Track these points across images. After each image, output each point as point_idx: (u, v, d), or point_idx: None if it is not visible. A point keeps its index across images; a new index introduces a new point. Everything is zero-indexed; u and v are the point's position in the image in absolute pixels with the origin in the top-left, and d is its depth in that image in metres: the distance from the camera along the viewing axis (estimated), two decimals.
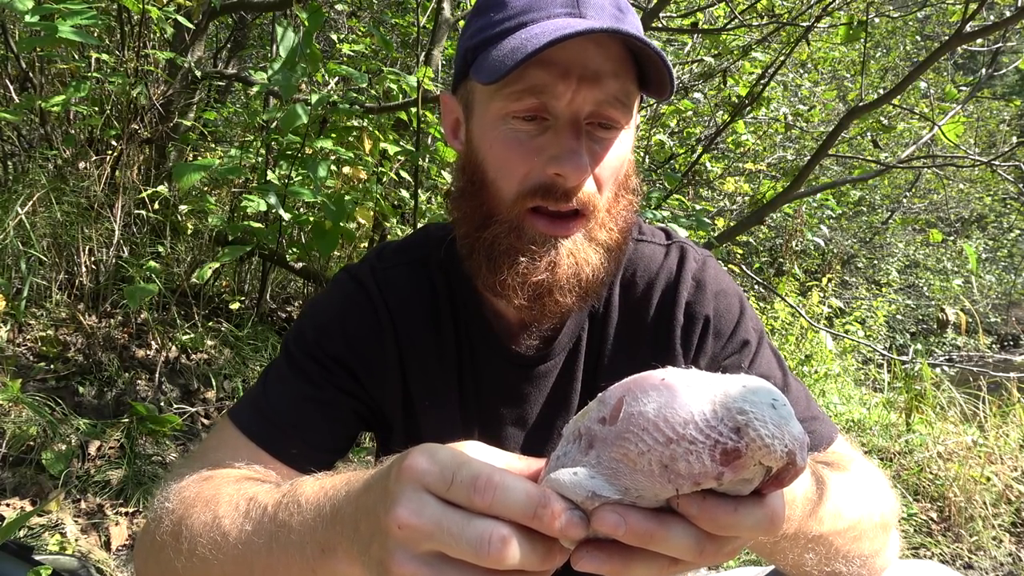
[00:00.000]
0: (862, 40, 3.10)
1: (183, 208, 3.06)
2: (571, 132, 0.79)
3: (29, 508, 1.95)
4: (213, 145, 3.72)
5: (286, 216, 2.67)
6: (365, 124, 3.00)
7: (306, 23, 2.32)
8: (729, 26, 3.41)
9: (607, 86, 0.78)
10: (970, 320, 6.50)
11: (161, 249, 2.92)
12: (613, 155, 0.82)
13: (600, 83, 0.78)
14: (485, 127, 0.83)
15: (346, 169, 3.07)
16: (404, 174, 3.32)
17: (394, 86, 3.06)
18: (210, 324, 3.00)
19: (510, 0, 0.81)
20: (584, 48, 0.77)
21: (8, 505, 1.95)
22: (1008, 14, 2.70)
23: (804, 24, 3.35)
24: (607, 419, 0.46)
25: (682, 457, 0.42)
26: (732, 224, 4.44)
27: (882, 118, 4.55)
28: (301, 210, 3.04)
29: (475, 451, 0.51)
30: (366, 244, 3.42)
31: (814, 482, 0.69)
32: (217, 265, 2.62)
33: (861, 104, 3.02)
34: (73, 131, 2.94)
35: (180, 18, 2.64)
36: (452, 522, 0.46)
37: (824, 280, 5.90)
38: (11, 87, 3.01)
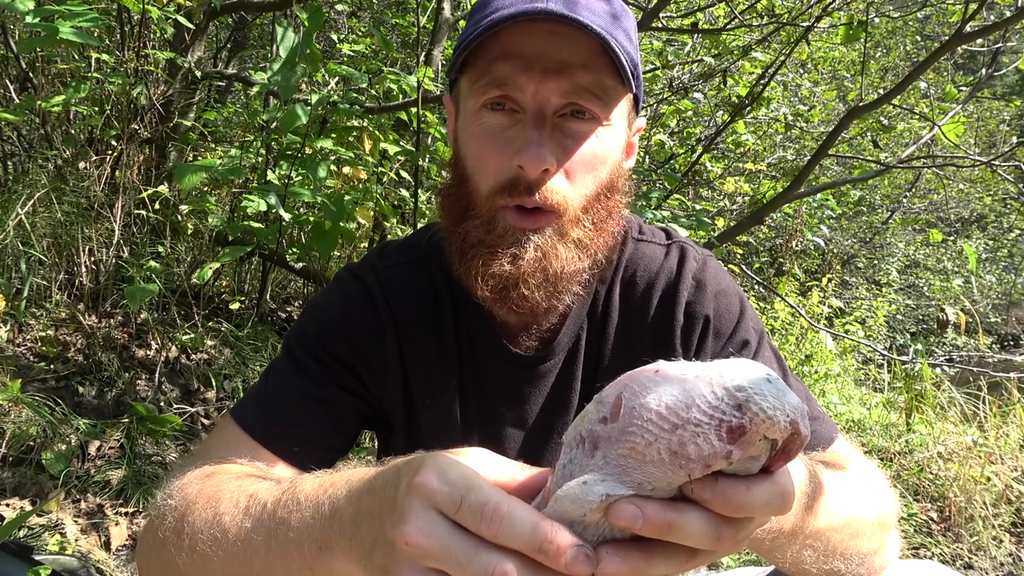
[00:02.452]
0: (862, 40, 3.10)
1: (183, 208, 3.06)
2: (534, 123, 0.79)
3: (29, 508, 1.95)
4: (213, 145, 3.72)
5: (286, 216, 2.67)
6: (365, 124, 3.00)
7: (306, 23, 2.32)
8: (729, 26, 3.41)
9: (576, 77, 0.78)
10: (970, 320, 6.50)
11: (161, 249, 2.92)
12: (587, 150, 0.82)
13: (567, 74, 0.78)
14: (466, 123, 0.85)
15: (346, 169, 3.07)
16: (404, 174, 3.32)
17: (394, 86, 3.06)
18: (210, 324, 3.00)
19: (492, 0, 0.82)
20: (550, 40, 0.78)
21: (8, 505, 1.95)
22: (1008, 14, 2.70)
23: (804, 24, 3.35)
24: (608, 418, 0.46)
25: (690, 441, 0.43)
26: (732, 224, 4.45)
27: (882, 118, 4.55)
28: (301, 210, 3.04)
29: (481, 463, 0.51)
30: (366, 244, 3.43)
31: (808, 477, 0.69)
32: (217, 265, 2.62)
33: (861, 104, 3.02)
34: (73, 131, 2.94)
35: (180, 18, 2.64)
36: (459, 550, 0.46)
37: (824, 280, 5.90)
38: (11, 87, 3.01)
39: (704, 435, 0.42)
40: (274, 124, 2.82)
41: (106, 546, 1.94)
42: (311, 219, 2.80)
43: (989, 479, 2.70)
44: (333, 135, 2.87)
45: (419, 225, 2.80)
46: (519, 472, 0.52)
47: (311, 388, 0.89)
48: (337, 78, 3.11)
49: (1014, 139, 7.28)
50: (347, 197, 2.62)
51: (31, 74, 3.01)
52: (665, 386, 0.44)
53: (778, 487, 0.46)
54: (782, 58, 3.85)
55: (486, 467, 0.51)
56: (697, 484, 0.44)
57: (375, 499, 0.53)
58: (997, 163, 3.18)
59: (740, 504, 0.45)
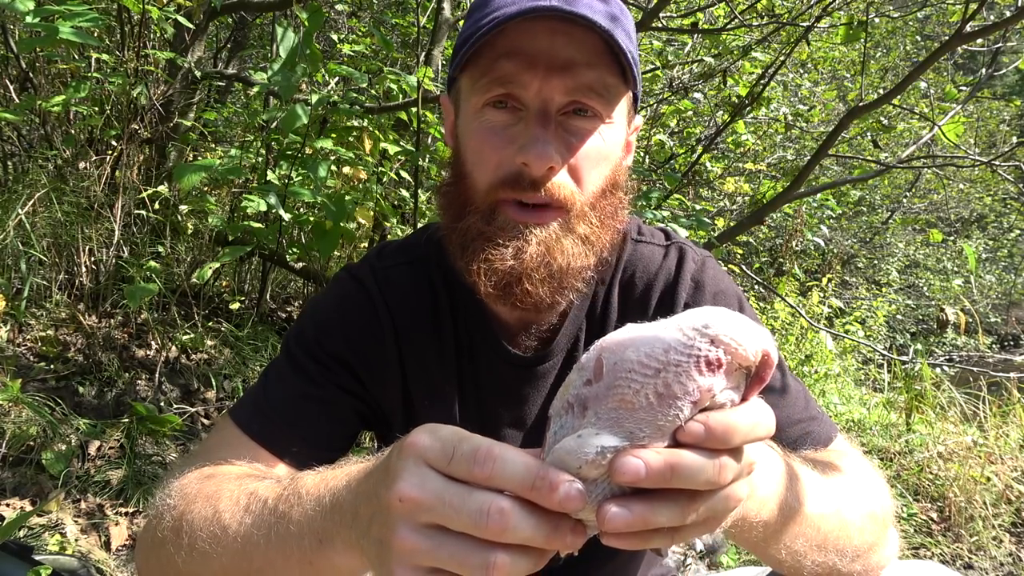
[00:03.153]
0: (862, 40, 3.10)
1: (183, 208, 3.06)
2: (538, 121, 0.79)
3: (29, 508, 1.95)
4: (213, 145, 3.72)
5: (286, 216, 2.67)
6: (365, 124, 3.00)
7: (306, 23, 2.32)
8: (729, 26, 3.41)
9: (580, 75, 0.78)
10: (970, 320, 6.49)
11: (161, 249, 2.92)
12: (592, 147, 0.82)
13: (571, 72, 0.78)
14: (467, 121, 0.85)
15: (346, 169, 3.07)
16: (404, 174, 3.32)
17: (394, 86, 3.06)
18: (210, 324, 3.00)
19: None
20: (554, 38, 0.77)
21: (8, 505, 1.95)
22: (1008, 14, 2.70)
23: (804, 24, 3.35)
24: (592, 379, 0.48)
25: (674, 380, 0.45)
26: (732, 224, 4.44)
27: (882, 118, 4.55)
28: (301, 210, 3.04)
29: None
30: (366, 244, 3.43)
31: (785, 467, 0.69)
32: (217, 265, 2.62)
33: (861, 104, 3.02)
34: (73, 131, 2.94)
35: (180, 18, 2.64)
36: (453, 495, 0.46)
37: (824, 280, 5.90)
38: (11, 87, 3.01)
39: (686, 372, 0.45)
40: (274, 124, 2.82)
41: (106, 546, 1.94)
42: (311, 219, 2.80)
43: (989, 479, 2.69)
44: (333, 135, 2.87)
45: (419, 225, 2.81)
46: None
47: (310, 388, 0.89)
48: (337, 78, 3.11)
49: (1014, 139, 7.28)
50: (347, 197, 2.62)
51: (31, 74, 3.01)
52: (640, 339, 0.47)
53: (761, 407, 0.48)
54: (782, 58, 3.85)
55: None
56: (689, 425, 0.45)
57: (371, 479, 0.54)
58: (997, 163, 3.18)
59: (733, 430, 0.46)
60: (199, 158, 3.34)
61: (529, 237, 0.81)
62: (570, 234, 0.82)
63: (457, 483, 0.47)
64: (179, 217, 3.07)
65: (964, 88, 3.62)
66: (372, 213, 3.04)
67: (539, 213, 0.81)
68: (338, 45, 3.40)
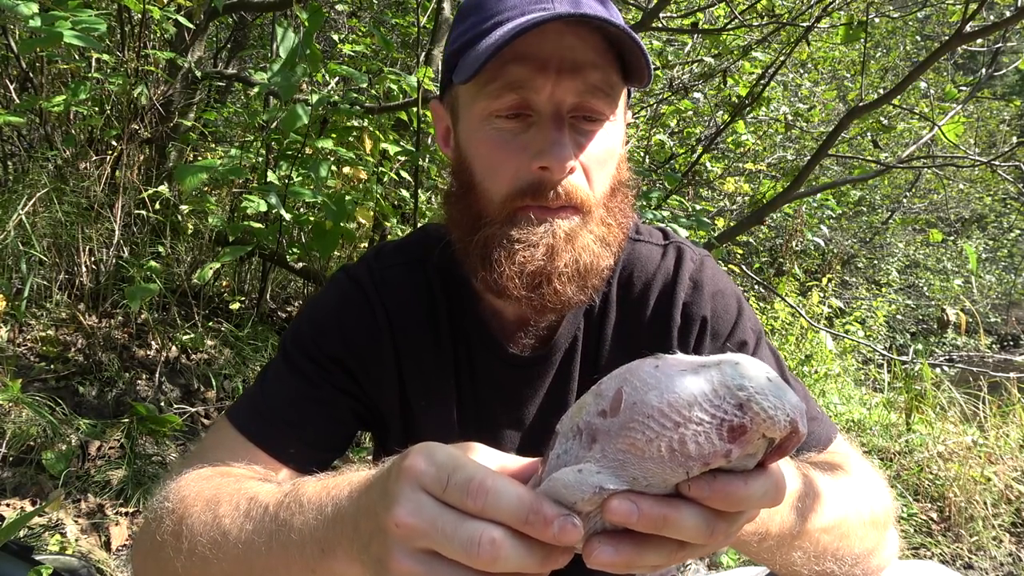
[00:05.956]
0: (862, 40, 3.10)
1: (183, 208, 3.06)
2: (554, 124, 0.78)
3: (29, 508, 1.95)
4: (213, 145, 3.73)
5: (286, 216, 2.67)
6: (365, 124, 3.00)
7: (306, 23, 2.32)
8: (729, 26, 3.41)
9: (588, 76, 0.78)
10: (970, 320, 6.49)
11: (161, 249, 2.92)
12: (599, 146, 0.82)
13: (581, 73, 0.77)
14: (471, 129, 0.83)
15: (346, 169, 3.07)
16: (404, 174, 3.32)
17: (394, 86, 3.06)
18: (210, 324, 3.00)
19: (487, 3, 0.81)
20: (562, 40, 0.77)
21: (8, 505, 1.95)
22: (1008, 14, 2.70)
23: (804, 24, 3.35)
24: (608, 412, 0.46)
25: (691, 439, 0.43)
26: (732, 224, 4.44)
27: (882, 118, 4.54)
28: (301, 210, 3.04)
29: (476, 453, 0.52)
30: (366, 244, 3.43)
31: (801, 483, 0.69)
32: (217, 265, 2.62)
33: (861, 104, 3.02)
34: (73, 131, 2.94)
35: (180, 18, 2.65)
36: (446, 523, 0.47)
37: (824, 280, 5.90)
38: (11, 87, 3.01)
39: (705, 434, 0.43)
40: (274, 124, 2.82)
41: (106, 546, 1.94)
42: (311, 219, 2.81)
43: (989, 479, 2.69)
44: (333, 135, 2.87)
45: (419, 225, 2.81)
46: (510, 461, 0.52)
47: (307, 389, 0.89)
48: (337, 78, 3.11)
49: (1014, 139, 7.29)
50: (347, 197, 2.62)
51: (31, 74, 3.01)
52: (666, 382, 0.44)
53: (773, 479, 0.46)
54: (782, 58, 3.85)
55: (482, 458, 0.51)
56: (694, 482, 0.44)
57: (371, 493, 0.54)
58: (997, 163, 3.18)
59: (738, 499, 0.45)
60: (199, 158, 3.34)
61: (557, 232, 0.80)
62: (590, 235, 0.82)
63: (451, 510, 0.47)
64: (179, 217, 3.07)
65: (964, 88, 3.62)
66: (372, 213, 3.04)
67: (558, 211, 0.81)
68: (338, 45, 3.40)
